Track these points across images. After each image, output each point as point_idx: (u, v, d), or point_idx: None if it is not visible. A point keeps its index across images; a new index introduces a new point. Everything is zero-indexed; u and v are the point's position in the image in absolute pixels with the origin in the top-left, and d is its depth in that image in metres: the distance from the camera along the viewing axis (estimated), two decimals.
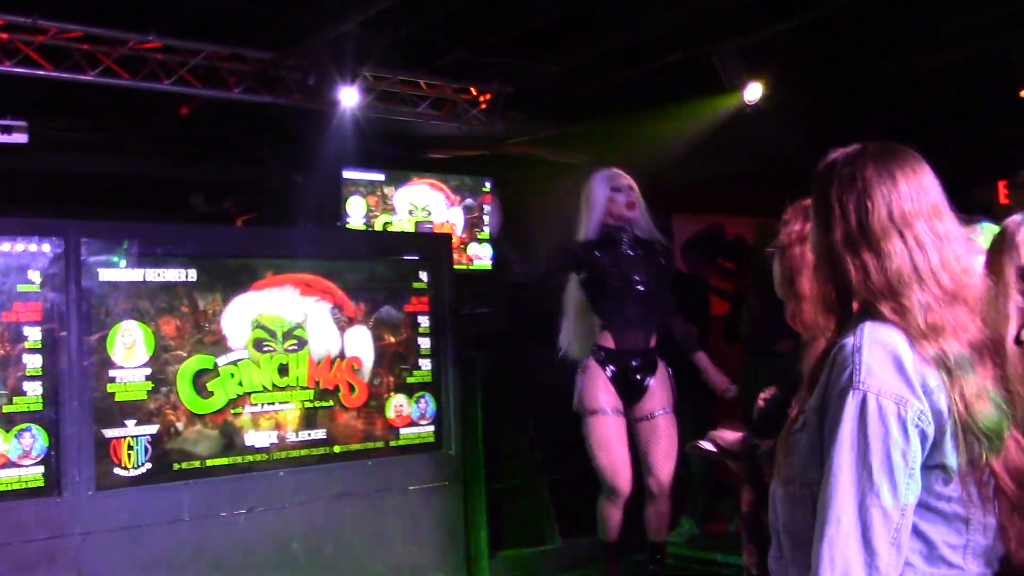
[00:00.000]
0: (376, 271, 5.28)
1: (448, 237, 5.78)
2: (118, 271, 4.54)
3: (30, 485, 4.25)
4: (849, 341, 1.66)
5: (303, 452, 4.92)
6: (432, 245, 5.66)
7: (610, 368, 4.55)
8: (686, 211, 7.75)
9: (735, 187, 7.66)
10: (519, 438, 6.11)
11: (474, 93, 6.36)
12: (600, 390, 4.54)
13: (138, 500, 4.47)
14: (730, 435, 2.44)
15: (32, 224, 4.44)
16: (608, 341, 4.57)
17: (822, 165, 1.82)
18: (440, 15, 5.07)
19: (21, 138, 5.71)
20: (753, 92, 5.93)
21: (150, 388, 4.55)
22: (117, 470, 4.44)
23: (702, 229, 7.64)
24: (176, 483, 4.56)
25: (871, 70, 6.07)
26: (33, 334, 4.30)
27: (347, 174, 7.21)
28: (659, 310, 4.66)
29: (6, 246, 4.29)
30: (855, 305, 1.72)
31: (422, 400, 5.37)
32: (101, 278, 4.47)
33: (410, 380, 5.33)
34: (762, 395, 2.44)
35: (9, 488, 4.19)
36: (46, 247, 4.36)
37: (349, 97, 5.67)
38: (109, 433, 4.43)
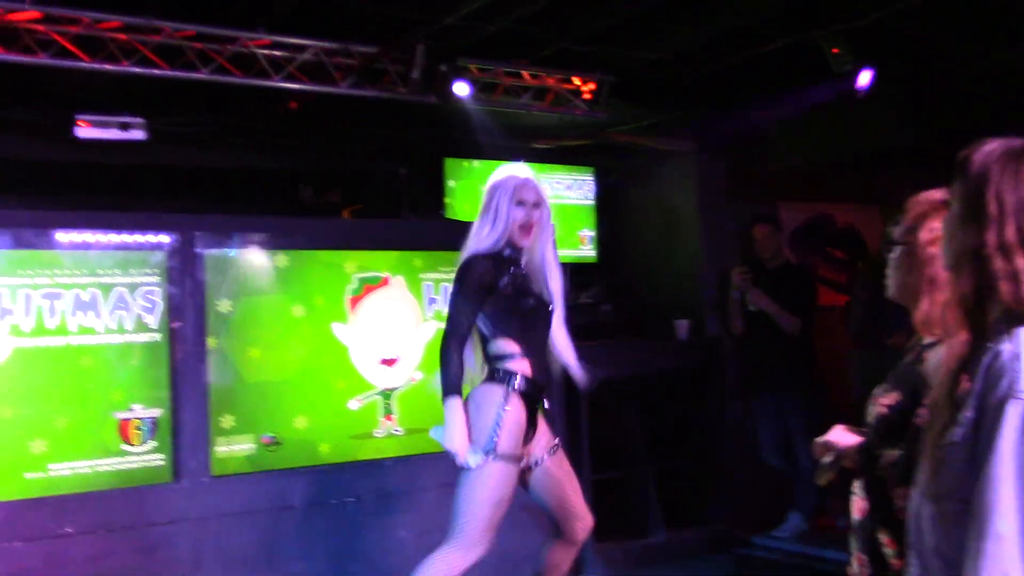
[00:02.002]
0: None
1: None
2: (230, 262, 4.67)
3: (151, 472, 4.42)
4: (1006, 348, 1.56)
5: (411, 441, 4.99)
6: None
7: (527, 401, 3.67)
8: (794, 199, 7.57)
9: (844, 174, 7.44)
10: (623, 429, 6.09)
11: (577, 83, 6.32)
12: (519, 434, 3.61)
13: (252, 487, 4.60)
14: (846, 439, 2.33)
15: (149, 219, 4.61)
16: (525, 368, 3.66)
17: (977, 157, 1.67)
18: (543, 5, 5.05)
19: (139, 135, 5.91)
20: (862, 78, 5.75)
21: None
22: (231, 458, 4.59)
23: (810, 217, 7.45)
24: (287, 471, 4.68)
25: (982, 55, 5.82)
26: (152, 324, 4.46)
27: (449, 165, 7.25)
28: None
29: (126, 238, 4.46)
30: (992, 310, 1.61)
31: None
32: (214, 269, 4.61)
33: None
34: (883, 400, 2.28)
35: (132, 474, 4.37)
36: (164, 238, 4.52)
37: (456, 89, 5.71)
38: (225, 422, 4.58)
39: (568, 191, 7.79)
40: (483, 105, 6.06)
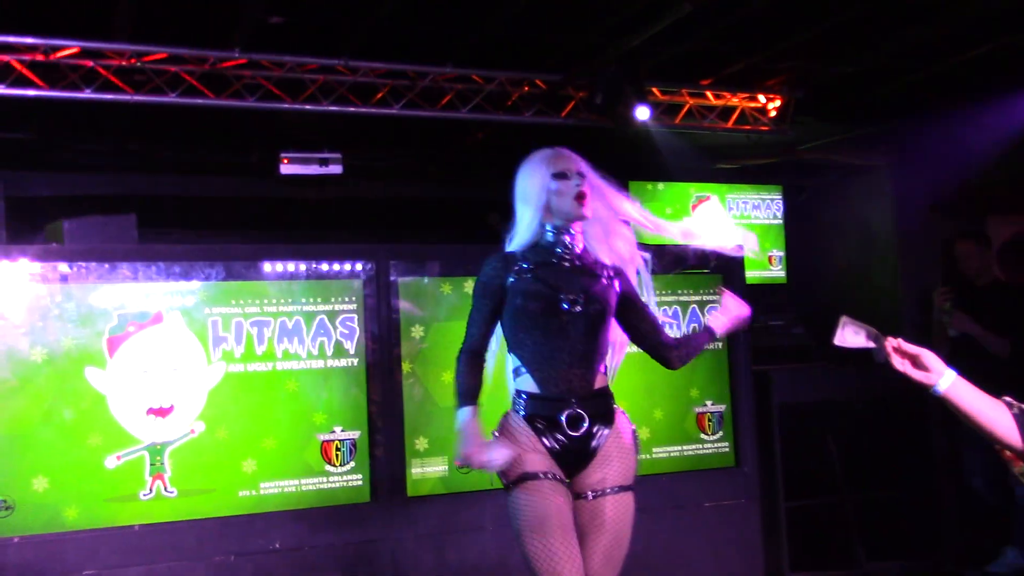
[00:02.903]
0: (668, 285, 5.27)
1: (740, 250, 5.65)
2: (423, 289, 4.83)
3: (351, 491, 4.60)
4: None
5: None
6: (724, 259, 5.56)
7: (539, 422, 3.06)
8: (1004, 211, 7.13)
9: None
10: (818, 455, 5.87)
11: (763, 100, 6.20)
12: (528, 450, 3.02)
13: (445, 508, 4.71)
14: None
15: (347, 249, 4.83)
16: (530, 384, 3.10)
17: None
18: (725, 25, 4.99)
19: (337, 169, 6.22)
20: None
21: None
22: (425, 479, 4.72)
23: (1022, 231, 6.99)
24: (479, 493, 4.76)
25: None
26: (350, 349, 4.67)
27: (633, 188, 7.25)
28: (605, 341, 3.16)
29: (326, 268, 4.69)
30: None
31: (718, 416, 5.30)
32: (408, 296, 4.78)
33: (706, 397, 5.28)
34: None
35: (333, 493, 4.56)
36: (360, 267, 4.72)
37: (638, 113, 5.71)
38: (419, 444, 4.72)
39: (756, 210, 7.64)
40: (667, 127, 6.04)
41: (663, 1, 4.66)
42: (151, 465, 4.30)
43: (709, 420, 5.31)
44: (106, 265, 4.33)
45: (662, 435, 5.17)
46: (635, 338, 3.27)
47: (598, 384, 3.12)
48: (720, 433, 5.32)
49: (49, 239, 4.82)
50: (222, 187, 6.73)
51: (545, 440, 3.04)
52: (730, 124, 6.26)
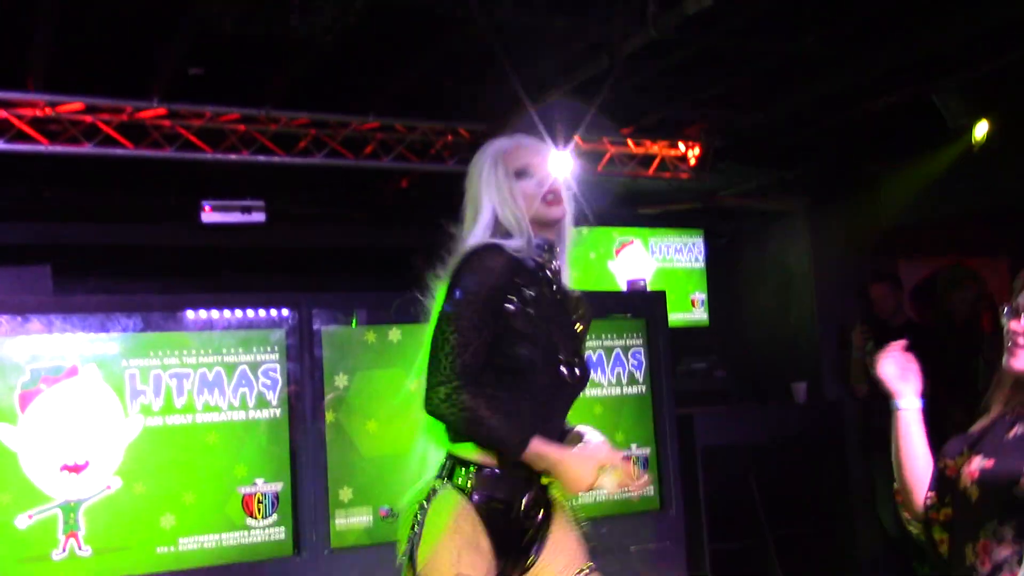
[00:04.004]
0: (591, 330, 5.32)
1: (662, 294, 5.75)
2: (346, 337, 4.80)
3: (274, 545, 4.52)
4: None
5: None
6: (647, 303, 5.65)
7: (493, 507, 2.30)
8: (914, 254, 7.37)
9: (966, 227, 7.22)
10: (742, 496, 5.95)
11: (682, 148, 6.34)
12: (468, 546, 2.26)
13: (370, 559, 4.65)
14: None
15: (269, 297, 4.78)
16: (481, 455, 2.30)
17: None
18: (645, 76, 5.10)
19: (259, 217, 6.17)
20: (978, 130, 5.59)
21: None
22: (350, 530, 4.66)
23: (931, 274, 7.23)
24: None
25: None
26: (272, 400, 4.61)
27: None
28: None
29: (249, 316, 4.64)
30: None
31: (641, 459, 5.34)
32: (332, 344, 4.74)
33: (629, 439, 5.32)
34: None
35: (255, 548, 4.48)
36: (283, 315, 4.68)
37: (561, 163, 5.78)
38: (343, 495, 4.66)
39: (678, 254, 7.77)
40: (588, 175, 6.13)
41: (584, 54, 4.75)
42: (65, 523, 4.18)
43: (634, 464, 5.35)
44: (19, 317, 4.23)
45: None
46: None
47: None
48: (648, 475, 5.35)
49: None
50: (141, 235, 6.62)
51: (492, 534, 2.28)
52: (651, 172, 6.37)
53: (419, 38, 4.61)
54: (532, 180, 2.41)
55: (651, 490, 5.34)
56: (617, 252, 7.60)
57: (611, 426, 5.24)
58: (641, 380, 5.41)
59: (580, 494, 2.27)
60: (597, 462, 2.21)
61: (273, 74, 4.99)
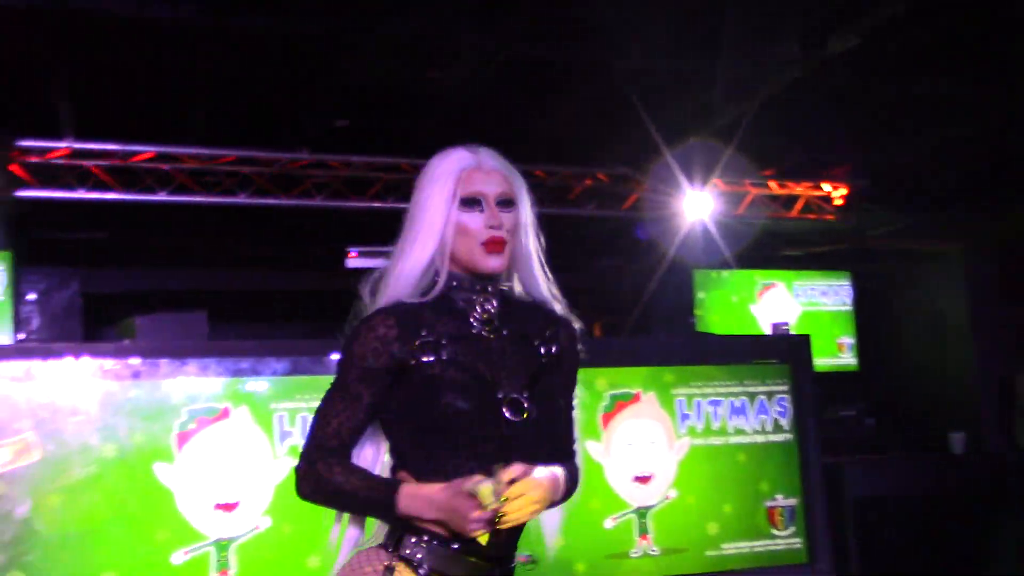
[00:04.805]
0: (734, 375, 5.21)
1: (807, 338, 5.58)
2: None
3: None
4: None
5: (665, 560, 4.87)
6: (791, 348, 5.49)
7: None
8: None
9: None
10: (894, 551, 5.67)
11: (827, 189, 6.18)
12: None
13: None
14: None
15: None
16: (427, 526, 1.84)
17: None
18: (788, 117, 5.01)
19: None
20: None
21: None
22: None
23: None
24: None
25: None
26: None
27: (698, 276, 7.22)
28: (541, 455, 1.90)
29: None
30: None
31: (787, 510, 5.16)
32: None
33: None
34: None
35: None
36: None
37: (700, 206, 5.73)
38: None
39: (823, 297, 7.54)
40: (729, 218, 6.04)
41: (725, 96, 4.70)
42: (217, 561, 4.30)
43: (780, 515, 5.18)
44: (177, 361, 4.41)
45: (732, 530, 5.04)
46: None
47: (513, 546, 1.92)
48: (792, 528, 5.17)
49: (121, 335, 4.94)
50: (290, 281, 6.87)
51: None
52: (794, 213, 6.23)
53: (556, 86, 4.66)
54: (477, 216, 1.89)
55: (798, 543, 5.14)
56: (760, 295, 7.43)
57: (755, 475, 5.09)
58: (786, 427, 5.24)
59: (468, 534, 1.80)
60: (458, 490, 1.77)
61: (415, 124, 5.11)
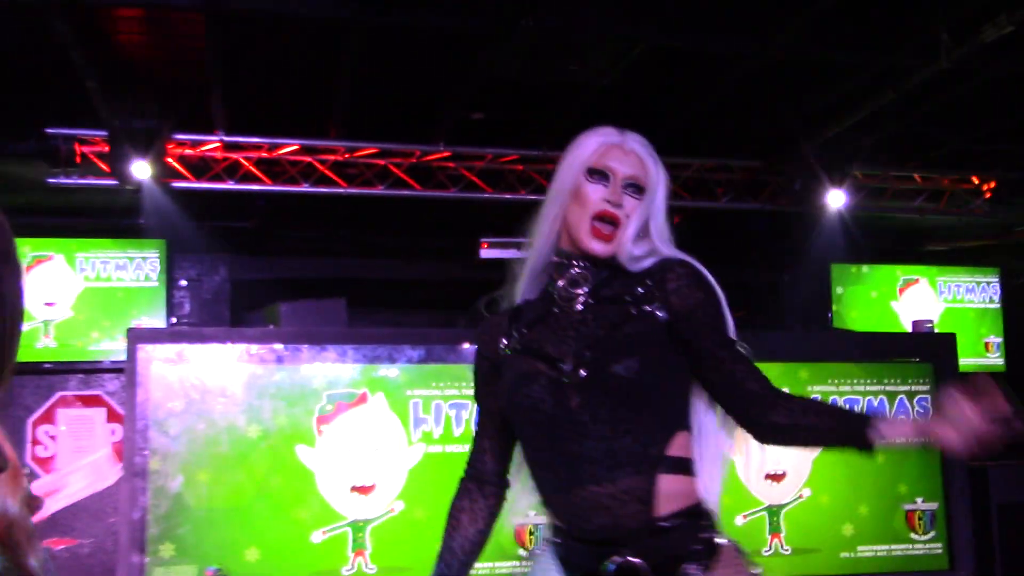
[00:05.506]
0: (873, 374, 5.07)
1: (952, 336, 5.38)
2: None
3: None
4: None
5: (798, 559, 4.80)
6: (934, 346, 5.30)
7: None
8: None
9: None
10: None
11: (975, 182, 5.93)
12: None
13: None
14: None
15: None
16: (555, 520, 1.76)
17: None
18: (932, 108, 4.83)
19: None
20: None
21: None
22: None
23: None
24: None
25: None
26: None
27: (837, 271, 7.04)
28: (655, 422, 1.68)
29: None
30: None
31: (930, 515, 5.00)
32: None
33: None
34: None
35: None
36: None
37: (837, 199, 5.59)
38: None
39: (969, 294, 7.24)
40: (871, 211, 5.87)
41: (868, 86, 4.57)
42: (354, 541, 4.45)
43: (920, 518, 5.02)
44: (317, 347, 4.57)
45: (868, 533, 4.92)
46: (714, 395, 1.76)
47: (666, 505, 1.66)
48: (932, 533, 5.01)
49: (266, 321, 5.14)
50: (425, 270, 7.01)
51: None
52: (941, 206, 6.01)
53: (693, 78, 4.61)
54: (600, 188, 1.75)
55: (939, 548, 4.98)
56: (901, 291, 7.19)
57: (893, 477, 4.95)
58: None
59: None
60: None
61: (550, 117, 5.15)
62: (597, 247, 1.74)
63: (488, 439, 1.87)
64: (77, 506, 4.45)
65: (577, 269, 1.76)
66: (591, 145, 1.80)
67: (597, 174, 1.76)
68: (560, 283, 1.77)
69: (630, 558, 1.63)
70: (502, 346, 1.80)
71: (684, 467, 1.69)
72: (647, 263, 1.77)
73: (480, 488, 1.87)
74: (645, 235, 1.79)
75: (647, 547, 1.63)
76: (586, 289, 1.75)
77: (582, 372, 1.67)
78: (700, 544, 1.66)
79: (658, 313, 1.72)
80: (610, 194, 1.74)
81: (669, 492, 1.66)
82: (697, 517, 1.68)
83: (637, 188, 1.77)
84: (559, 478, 1.69)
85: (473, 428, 1.91)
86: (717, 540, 1.67)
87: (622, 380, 1.65)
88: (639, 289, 1.74)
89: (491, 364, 1.83)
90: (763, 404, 1.67)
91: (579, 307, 1.75)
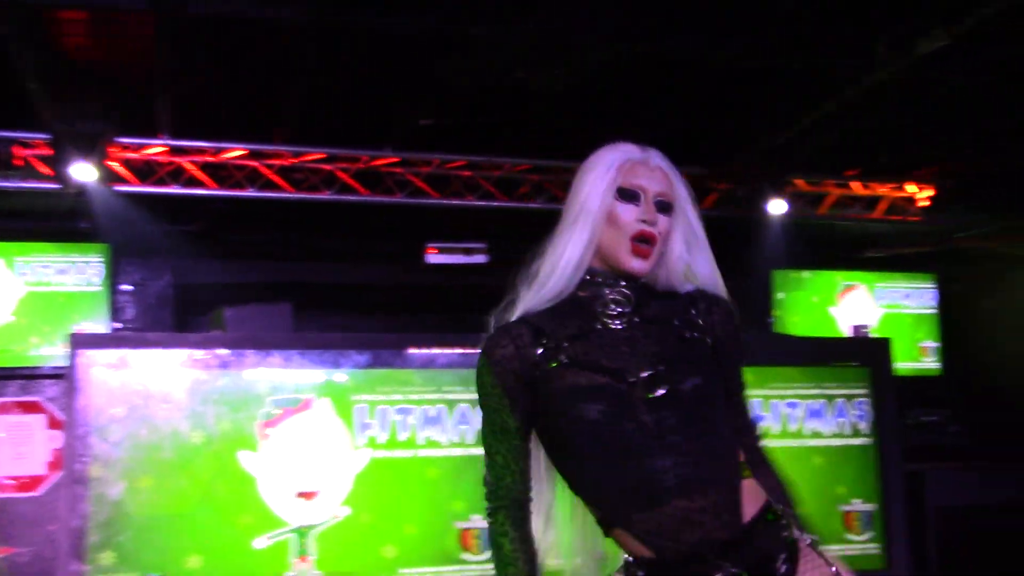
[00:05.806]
0: (812, 377, 5.16)
1: (887, 341, 5.50)
2: None
3: None
4: None
5: None
6: (871, 351, 5.42)
7: None
8: None
9: None
10: (978, 564, 5.56)
11: (913, 190, 6.07)
12: None
13: None
14: None
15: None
16: (634, 543, 1.71)
17: None
18: (872, 118, 4.94)
19: (481, 259, 6.40)
20: None
21: None
22: None
23: None
24: None
25: None
26: None
27: (778, 277, 7.16)
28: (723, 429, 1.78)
29: (469, 355, 4.79)
30: None
31: (866, 516, 5.10)
32: None
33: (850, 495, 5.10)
34: None
35: None
36: None
37: (778, 207, 5.69)
38: None
39: (906, 300, 7.41)
40: (811, 219, 5.98)
41: (810, 96, 4.67)
42: (298, 547, 4.41)
43: (857, 519, 5.12)
44: (262, 352, 4.54)
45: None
46: None
47: (748, 510, 1.72)
48: (870, 534, 5.11)
49: (212, 326, 5.10)
50: (371, 275, 6.99)
51: None
52: (878, 214, 6.14)
53: (638, 85, 4.67)
54: (633, 208, 1.77)
55: (875, 548, 5.08)
56: (840, 297, 7.34)
57: (831, 478, 5.04)
58: (865, 431, 5.18)
59: None
60: None
61: (499, 123, 5.18)
62: (637, 265, 1.76)
63: (515, 459, 1.81)
64: (15, 513, 4.38)
65: (621, 288, 1.78)
66: (615, 162, 1.80)
67: (628, 194, 1.77)
68: (609, 297, 1.78)
69: (732, 569, 1.65)
70: (537, 358, 1.75)
71: (746, 470, 1.79)
72: (688, 287, 1.83)
73: (521, 510, 1.81)
74: (680, 253, 1.83)
75: (742, 556, 1.66)
76: (629, 308, 1.77)
77: (660, 390, 1.69)
78: (783, 543, 1.72)
79: (707, 339, 1.80)
80: (644, 213, 1.76)
81: (747, 498, 1.72)
82: (774, 516, 1.74)
83: (666, 205, 1.80)
84: (638, 495, 1.67)
85: (489, 450, 1.82)
86: (795, 535, 1.74)
87: (693, 395, 1.71)
88: (689, 313, 1.81)
89: (519, 378, 1.77)
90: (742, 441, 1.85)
91: (619, 325, 1.77)
